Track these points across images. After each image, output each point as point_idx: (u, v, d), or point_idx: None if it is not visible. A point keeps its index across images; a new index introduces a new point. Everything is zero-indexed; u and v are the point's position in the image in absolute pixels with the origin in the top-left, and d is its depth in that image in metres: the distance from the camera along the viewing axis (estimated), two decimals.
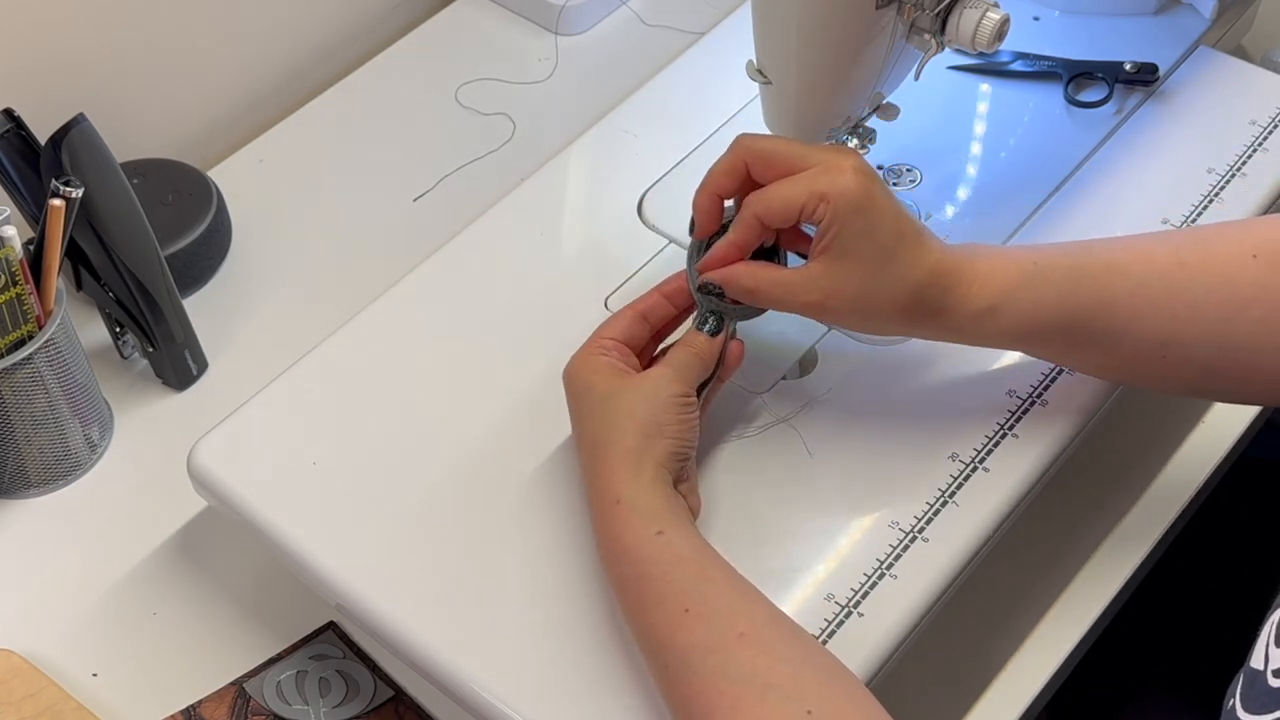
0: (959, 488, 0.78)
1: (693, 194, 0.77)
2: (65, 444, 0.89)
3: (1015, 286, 0.74)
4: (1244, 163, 0.93)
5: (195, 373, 0.95)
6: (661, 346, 0.80)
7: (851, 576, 0.75)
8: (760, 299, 0.76)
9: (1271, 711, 0.59)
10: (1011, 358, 0.83)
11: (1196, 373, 0.76)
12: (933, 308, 0.74)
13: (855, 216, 0.71)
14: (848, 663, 0.68)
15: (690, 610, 0.66)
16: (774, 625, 0.67)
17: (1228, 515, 0.98)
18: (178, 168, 1.02)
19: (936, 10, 0.79)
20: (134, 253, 0.88)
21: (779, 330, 0.84)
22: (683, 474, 0.74)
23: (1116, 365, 0.77)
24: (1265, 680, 0.61)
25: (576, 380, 0.76)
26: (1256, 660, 0.62)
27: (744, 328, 0.78)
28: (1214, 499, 0.91)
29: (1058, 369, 0.83)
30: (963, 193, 0.92)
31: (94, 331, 0.95)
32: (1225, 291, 0.74)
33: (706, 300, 0.77)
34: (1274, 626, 0.62)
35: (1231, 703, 0.63)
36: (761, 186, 0.75)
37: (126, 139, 0.98)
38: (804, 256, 0.76)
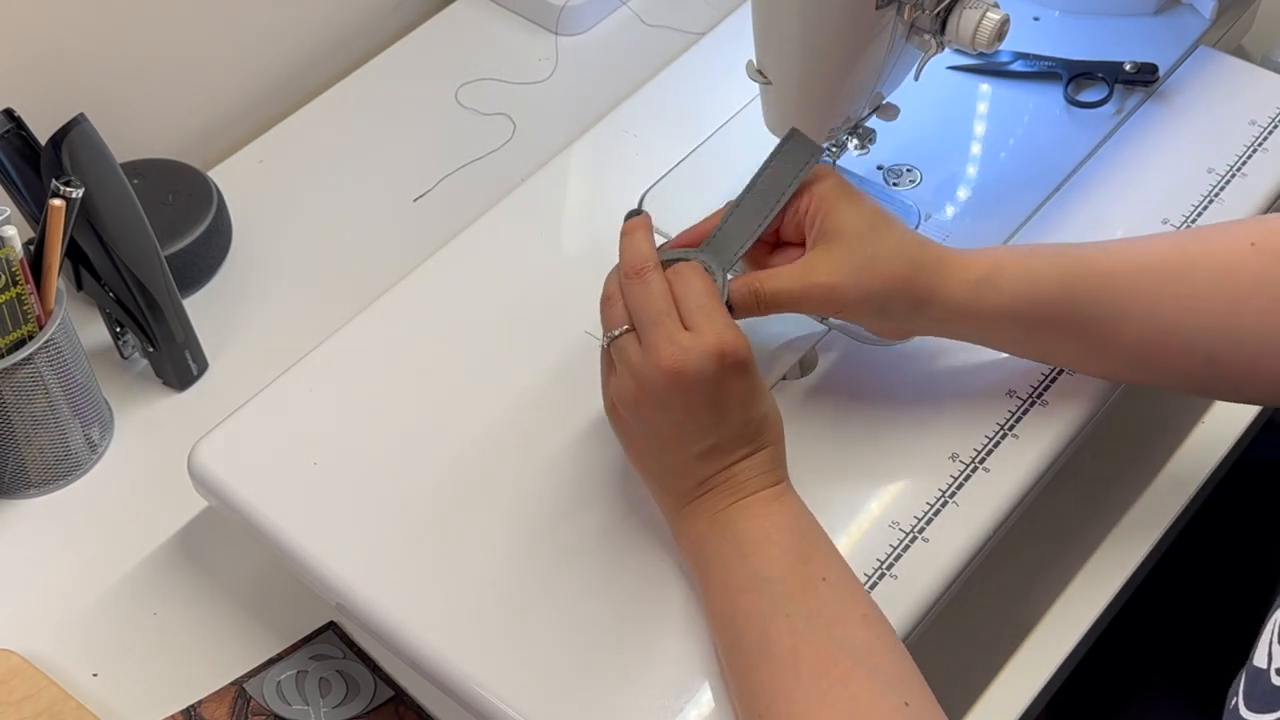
0: (959, 488, 0.78)
1: (693, 194, 0.77)
2: (65, 444, 0.89)
3: (1011, 259, 0.76)
4: (1244, 163, 0.93)
5: (195, 373, 0.95)
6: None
7: None
8: (766, 302, 0.76)
9: (1274, 710, 0.59)
10: (1012, 357, 0.83)
11: (1201, 363, 0.76)
12: (930, 279, 0.75)
13: (840, 198, 0.76)
14: None
15: (827, 580, 0.70)
16: (884, 619, 0.70)
17: (1228, 515, 0.98)
18: (178, 168, 1.02)
19: (936, 10, 0.79)
20: (134, 253, 0.88)
21: (779, 330, 0.84)
22: None
23: (1121, 353, 0.77)
24: (1268, 679, 0.61)
25: (730, 365, 0.72)
26: (1259, 659, 0.62)
27: (747, 327, 0.78)
28: (1214, 499, 0.91)
29: (1057, 369, 0.82)
30: (963, 193, 0.92)
31: (94, 331, 0.95)
32: (1227, 279, 0.75)
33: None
34: (1276, 625, 0.62)
35: (1234, 701, 0.63)
36: None
37: (126, 139, 0.98)
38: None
